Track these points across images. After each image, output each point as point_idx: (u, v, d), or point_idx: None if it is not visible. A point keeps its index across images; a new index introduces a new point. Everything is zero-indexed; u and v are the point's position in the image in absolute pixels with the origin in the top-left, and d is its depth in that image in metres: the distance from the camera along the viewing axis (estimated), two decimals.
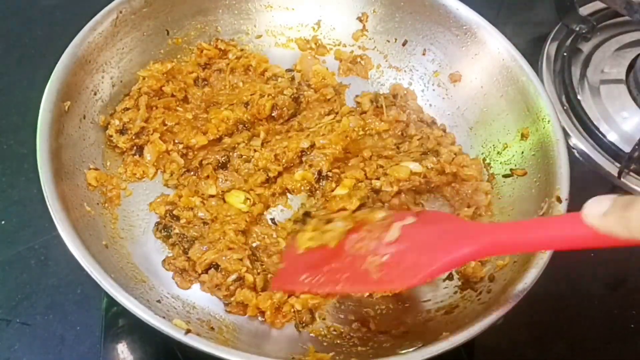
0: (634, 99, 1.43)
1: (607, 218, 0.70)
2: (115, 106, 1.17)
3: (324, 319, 1.03)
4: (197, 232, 1.07)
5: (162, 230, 1.07)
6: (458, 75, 1.29)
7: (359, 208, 1.10)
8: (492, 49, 1.23)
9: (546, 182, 1.07)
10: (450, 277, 1.08)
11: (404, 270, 0.87)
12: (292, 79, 1.31)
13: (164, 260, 1.05)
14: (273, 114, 1.23)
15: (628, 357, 1.12)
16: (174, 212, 1.08)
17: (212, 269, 1.03)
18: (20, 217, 1.19)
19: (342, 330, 1.01)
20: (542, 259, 0.94)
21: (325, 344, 0.98)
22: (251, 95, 1.23)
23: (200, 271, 1.03)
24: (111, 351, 1.05)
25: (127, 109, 1.16)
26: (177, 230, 1.07)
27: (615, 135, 1.38)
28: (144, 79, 1.20)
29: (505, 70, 1.21)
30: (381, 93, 1.33)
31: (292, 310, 1.01)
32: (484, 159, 1.22)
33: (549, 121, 1.12)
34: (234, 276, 1.02)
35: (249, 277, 1.02)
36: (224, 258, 1.02)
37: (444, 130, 1.28)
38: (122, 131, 1.14)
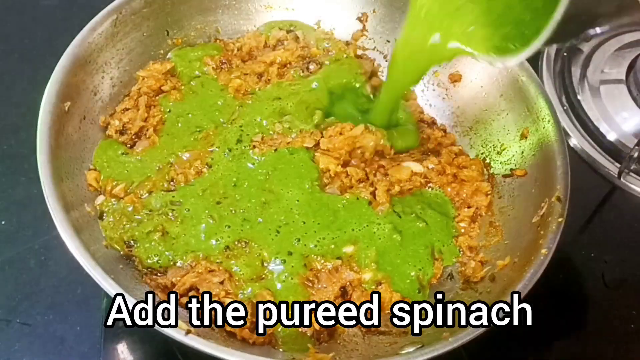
0: (634, 99, 1.43)
1: None
2: (115, 106, 1.17)
3: None
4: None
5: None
6: (458, 75, 1.29)
7: None
8: None
9: (546, 182, 1.07)
10: (451, 278, 1.08)
11: None
12: (296, 37, 1.32)
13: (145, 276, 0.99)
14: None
15: (628, 358, 1.12)
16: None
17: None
18: (20, 218, 1.19)
19: (343, 330, 1.01)
20: (543, 259, 0.94)
21: (325, 344, 0.98)
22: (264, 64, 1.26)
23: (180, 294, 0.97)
24: (111, 351, 1.05)
25: (127, 109, 1.16)
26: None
27: (615, 135, 1.38)
28: (143, 79, 1.20)
29: (505, 71, 1.20)
30: None
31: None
32: (484, 159, 1.22)
33: (549, 121, 1.12)
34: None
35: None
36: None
37: (444, 131, 1.28)
38: (121, 131, 1.14)
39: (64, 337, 1.06)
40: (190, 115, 1.18)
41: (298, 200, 1.07)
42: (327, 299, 0.99)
